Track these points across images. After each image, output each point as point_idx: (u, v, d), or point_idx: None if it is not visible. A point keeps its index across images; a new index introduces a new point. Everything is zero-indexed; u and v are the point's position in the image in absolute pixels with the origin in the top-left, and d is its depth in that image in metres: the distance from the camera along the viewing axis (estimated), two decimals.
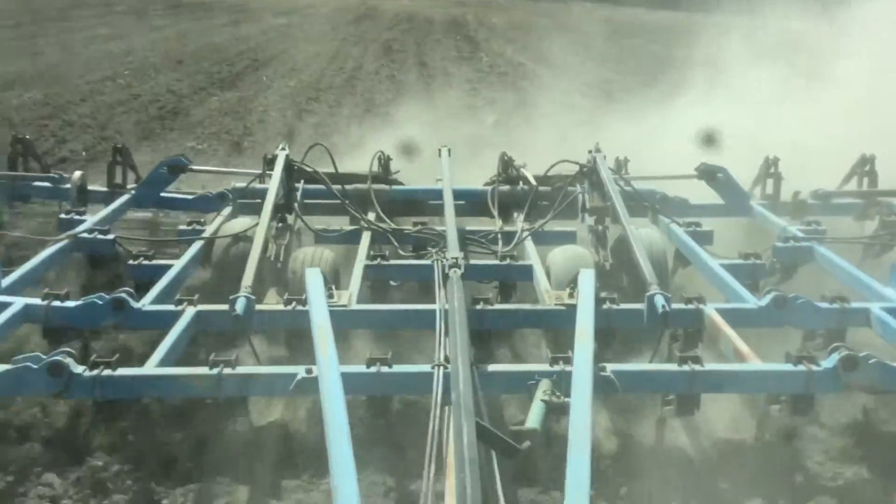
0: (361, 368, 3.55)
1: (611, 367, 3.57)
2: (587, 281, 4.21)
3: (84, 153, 8.80)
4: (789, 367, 3.61)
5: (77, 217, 5.34)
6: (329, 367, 3.35)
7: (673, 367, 3.64)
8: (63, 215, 5.41)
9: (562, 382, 3.34)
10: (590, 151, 5.76)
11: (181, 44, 17.88)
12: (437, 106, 11.44)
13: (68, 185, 5.74)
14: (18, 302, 4.00)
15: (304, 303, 4.06)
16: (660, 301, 4.05)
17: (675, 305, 4.13)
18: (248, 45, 18.09)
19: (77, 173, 5.81)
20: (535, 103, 11.46)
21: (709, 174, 5.97)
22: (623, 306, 4.23)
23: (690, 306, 4.21)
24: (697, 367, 3.58)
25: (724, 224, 5.86)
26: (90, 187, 5.87)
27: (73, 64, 14.72)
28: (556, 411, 3.20)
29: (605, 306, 4.17)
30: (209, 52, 16.88)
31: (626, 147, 6.03)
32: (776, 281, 5.22)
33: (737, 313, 4.22)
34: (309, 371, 3.46)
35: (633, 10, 30.27)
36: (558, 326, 4.21)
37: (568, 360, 3.51)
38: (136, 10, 23.11)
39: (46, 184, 5.87)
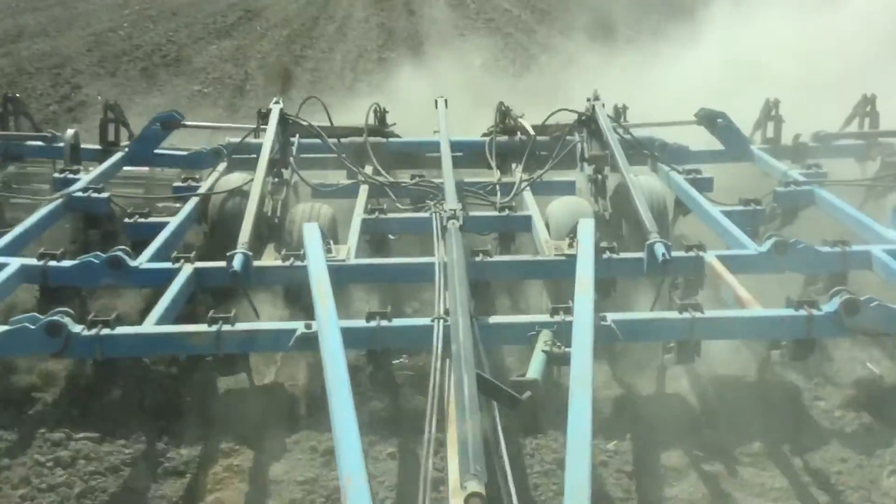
0: (361, 323, 3.53)
1: (611, 317, 3.55)
2: (587, 231, 4.17)
3: (99, 97, 8.95)
4: (790, 311, 3.59)
5: (71, 176, 5.28)
6: (328, 322, 3.34)
7: (673, 314, 3.62)
8: (57, 174, 5.35)
9: (562, 333, 3.33)
10: (588, 99, 5.68)
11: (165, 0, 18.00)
12: (426, 52, 11.82)
13: (61, 144, 5.67)
14: (14, 262, 3.97)
15: (303, 258, 4.03)
16: (660, 249, 4.02)
17: (675, 253, 4.10)
18: (230, 1, 18.04)
19: (70, 131, 5.73)
20: (522, 46, 12.36)
21: (708, 119, 5.90)
22: (623, 255, 4.20)
23: (690, 254, 4.18)
24: (698, 314, 3.56)
25: (725, 169, 5.82)
26: (83, 145, 5.79)
27: (73, 17, 15.20)
28: (558, 361, 3.19)
29: (605, 256, 4.14)
30: (202, 3, 17.01)
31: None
32: (777, 226, 5.19)
33: (737, 260, 4.20)
34: (308, 326, 3.45)
35: None
36: (558, 277, 4.19)
37: (568, 311, 3.49)
38: None
39: (39, 143, 5.79)
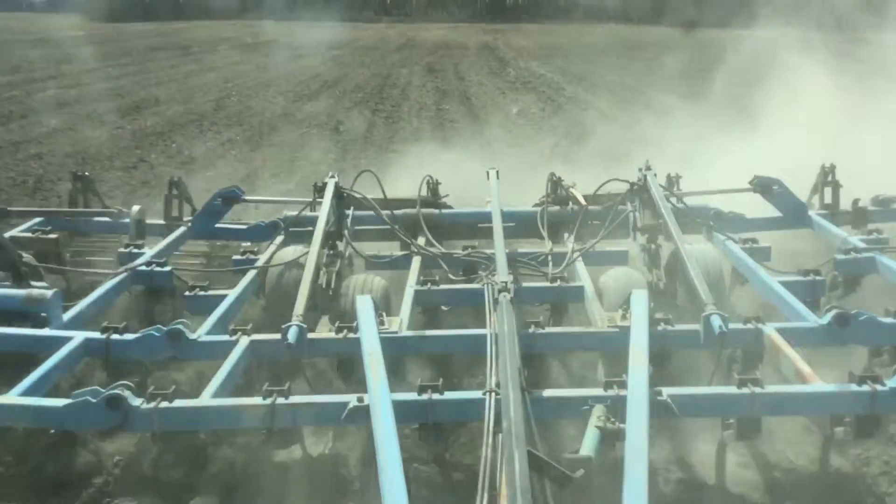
0: (413, 396, 3.54)
1: (667, 391, 3.49)
2: (640, 302, 4.13)
3: (238, 137, 12.55)
4: (853, 387, 3.48)
5: (135, 250, 5.47)
6: (380, 395, 3.36)
7: (732, 389, 3.54)
8: (122, 249, 5.55)
9: (617, 407, 3.28)
10: (640, 169, 5.69)
11: (262, 72, 21.80)
12: (474, 104, 15.77)
13: (127, 220, 5.88)
14: (79, 336, 4.10)
15: (356, 330, 4.08)
16: (716, 321, 3.95)
17: (732, 325, 4.03)
18: (316, 72, 21.82)
19: (135, 208, 5.95)
20: (551, 99, 15.98)
21: (764, 186, 5.86)
22: (678, 327, 4.14)
23: (749, 326, 4.11)
24: (757, 390, 3.48)
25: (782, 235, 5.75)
26: (148, 220, 6.00)
27: (190, 90, 18.20)
28: (612, 437, 3.14)
29: (659, 328, 4.10)
30: (288, 78, 20.48)
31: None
32: (839, 295, 5.07)
33: (797, 332, 4.10)
34: (360, 399, 3.46)
35: (647, 28, 35.37)
36: (612, 349, 4.14)
37: (622, 385, 3.45)
38: (208, 50, 27.46)
39: (106, 219, 6.02)
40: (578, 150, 10.35)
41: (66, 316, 4.42)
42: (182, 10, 49.17)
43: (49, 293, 4.38)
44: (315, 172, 9.16)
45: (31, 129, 12.87)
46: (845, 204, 5.98)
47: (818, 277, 4.85)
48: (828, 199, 6.01)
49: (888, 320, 4.14)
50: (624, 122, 12.71)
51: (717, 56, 16.65)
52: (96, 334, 4.13)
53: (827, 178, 5.99)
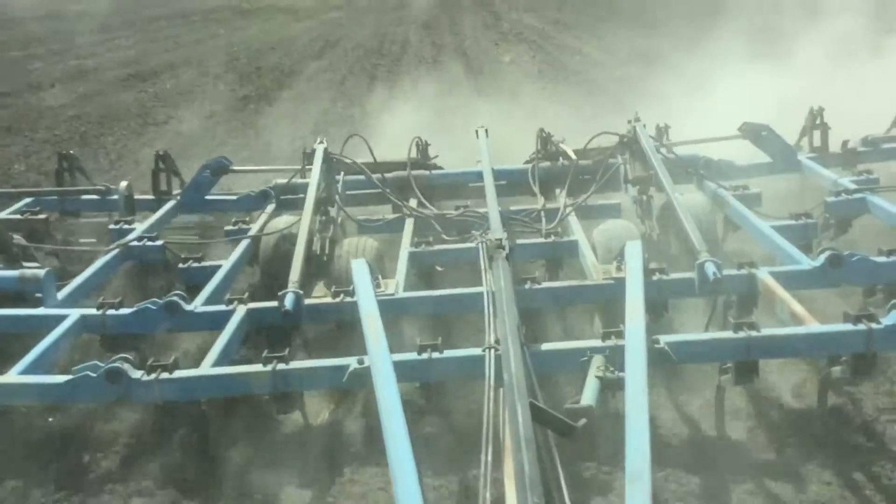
0: (413, 356, 3.55)
1: (664, 339, 3.52)
2: (635, 253, 4.15)
3: (252, 94, 13.41)
4: (848, 326, 3.51)
5: (126, 226, 5.44)
6: (380, 356, 3.37)
7: (728, 334, 3.56)
8: (112, 225, 5.52)
9: (615, 357, 3.31)
10: (629, 121, 5.67)
11: (266, 37, 21.74)
12: (469, 56, 16.60)
13: (115, 196, 5.84)
14: (74, 313, 4.09)
15: (352, 294, 4.08)
16: (710, 268, 3.97)
17: (726, 271, 4.05)
18: (312, 35, 21.72)
19: (123, 183, 5.90)
20: (541, 48, 17.02)
21: (753, 133, 5.86)
22: (673, 276, 4.16)
23: (742, 271, 4.13)
24: (754, 333, 3.50)
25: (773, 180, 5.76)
26: (137, 196, 5.96)
27: (199, 54, 18.70)
28: (611, 387, 3.17)
29: (654, 277, 4.11)
30: (289, 42, 20.62)
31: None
32: (831, 237, 5.10)
33: (791, 276, 4.12)
34: (361, 361, 3.48)
35: None
36: (608, 301, 4.16)
37: (620, 335, 3.47)
38: (211, 18, 27.40)
39: (94, 196, 5.98)
40: (563, 90, 11.79)
41: (61, 294, 4.41)
42: None
43: (42, 273, 4.37)
44: (325, 118, 11.05)
45: (63, 95, 13.82)
46: (834, 146, 5.98)
47: (810, 220, 4.86)
48: (817, 141, 6.00)
49: (881, 259, 4.16)
50: (610, 65, 14.11)
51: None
52: (92, 310, 4.13)
53: (815, 120, 5.97)
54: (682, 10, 19.13)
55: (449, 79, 13.46)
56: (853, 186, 5.24)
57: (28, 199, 5.89)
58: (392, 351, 3.44)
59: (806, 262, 4.21)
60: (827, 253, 4.11)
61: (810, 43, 9.98)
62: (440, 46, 18.38)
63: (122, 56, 18.70)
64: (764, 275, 4.05)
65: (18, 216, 5.58)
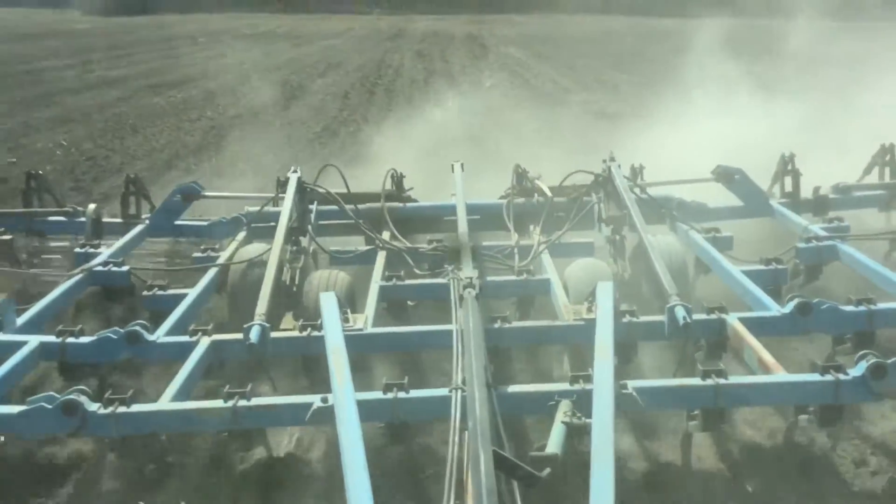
0: (378, 395, 3.49)
1: (632, 384, 3.49)
2: (605, 294, 4.12)
3: (268, 101, 15.12)
4: (816, 377, 3.50)
5: (92, 250, 5.34)
6: (345, 394, 3.30)
7: (697, 381, 3.54)
8: (78, 249, 5.42)
9: (583, 402, 3.27)
10: (604, 161, 5.69)
11: (271, 57, 23.86)
12: (456, 80, 18.30)
13: (83, 219, 5.74)
14: (33, 340, 3.99)
15: (320, 328, 4.02)
16: (680, 312, 3.96)
17: (696, 316, 4.04)
18: (315, 59, 23.97)
19: (91, 206, 5.82)
20: (520, 76, 18.89)
21: (726, 176, 5.89)
22: (643, 319, 4.15)
23: (712, 316, 4.12)
24: (722, 381, 3.48)
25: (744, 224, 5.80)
26: (105, 219, 5.87)
27: (214, 70, 20.39)
28: (578, 433, 3.12)
29: (624, 319, 4.09)
30: (295, 62, 22.96)
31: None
32: (801, 283, 5.12)
33: (760, 322, 4.12)
34: (324, 400, 3.41)
35: (627, 19, 38.02)
36: (578, 341, 4.13)
37: (588, 379, 3.44)
38: (216, 41, 29.57)
39: (61, 218, 5.87)
40: (532, 107, 13.40)
41: (21, 320, 4.30)
42: (172, 4, 48.47)
43: (0, 298, 4.26)
44: (334, 119, 13.47)
45: (101, 97, 16.01)
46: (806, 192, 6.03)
47: (780, 266, 4.88)
48: (788, 187, 6.05)
49: (849, 308, 4.17)
50: (575, 91, 16.22)
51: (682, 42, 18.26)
52: (51, 338, 4.03)
53: (787, 166, 6.03)
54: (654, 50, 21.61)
55: (436, 98, 15.17)
56: (823, 234, 5.27)
57: None
58: (358, 388, 3.38)
59: (775, 309, 4.21)
60: (796, 300, 4.12)
61: None
62: (431, 71, 20.28)
63: (142, 69, 20.84)
64: (733, 320, 4.05)
65: None
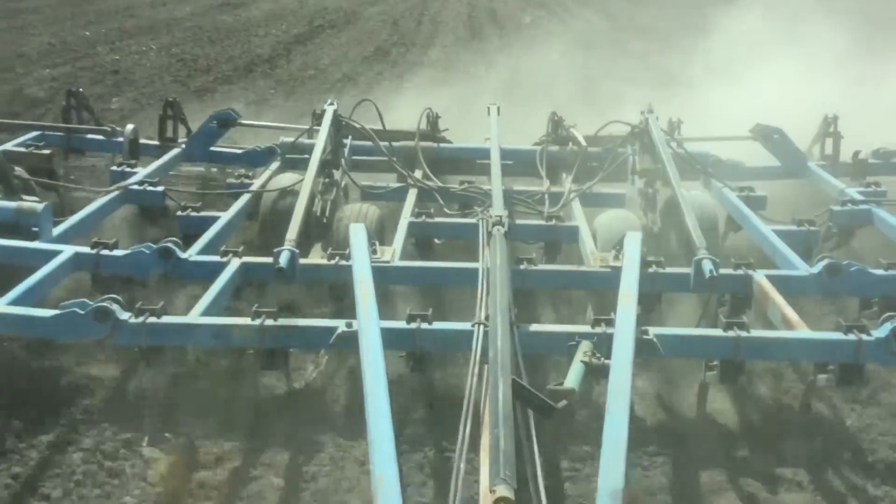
0: (401, 324, 3.54)
1: (653, 331, 3.51)
2: (633, 244, 4.13)
3: (326, 24, 16.73)
4: (839, 335, 3.50)
5: (128, 169, 5.42)
6: (369, 321, 3.36)
7: (718, 332, 3.56)
8: (115, 167, 5.50)
9: (603, 345, 3.30)
10: (642, 112, 5.63)
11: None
12: (497, 14, 19.25)
13: (121, 139, 5.81)
14: (68, 250, 4.08)
15: (348, 258, 4.07)
16: (707, 266, 3.95)
17: (723, 270, 4.03)
18: None
19: (129, 126, 5.88)
20: (556, 14, 19.34)
21: (764, 135, 5.82)
22: (669, 270, 4.15)
23: (739, 272, 4.11)
24: (743, 333, 3.49)
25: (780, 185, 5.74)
26: (142, 140, 5.94)
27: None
28: (596, 373, 3.16)
29: (650, 269, 4.10)
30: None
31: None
32: (832, 246, 5.07)
33: (787, 280, 4.10)
34: (349, 325, 3.47)
35: None
36: (602, 288, 4.14)
37: (610, 323, 3.46)
38: None
39: (100, 136, 5.95)
40: (565, 40, 14.19)
41: (57, 231, 4.40)
42: None
43: (40, 206, 4.36)
44: (385, 42, 14.93)
45: (175, 13, 17.47)
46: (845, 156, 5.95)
47: (812, 228, 4.83)
48: (828, 150, 5.97)
49: (879, 272, 4.14)
50: (605, 31, 16.66)
51: None
52: (86, 249, 4.12)
53: (829, 128, 5.94)
54: None
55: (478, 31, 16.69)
56: (860, 197, 5.21)
57: (34, 133, 5.85)
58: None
59: (804, 269, 4.19)
60: (826, 261, 4.09)
61: None
62: (474, 6, 20.93)
63: None
64: (760, 277, 4.04)
65: (23, 149, 5.54)
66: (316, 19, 17.23)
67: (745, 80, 8.45)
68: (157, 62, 12.03)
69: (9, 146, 5.56)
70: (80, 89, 6.32)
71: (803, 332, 3.56)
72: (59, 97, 7.87)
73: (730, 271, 4.11)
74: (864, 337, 3.45)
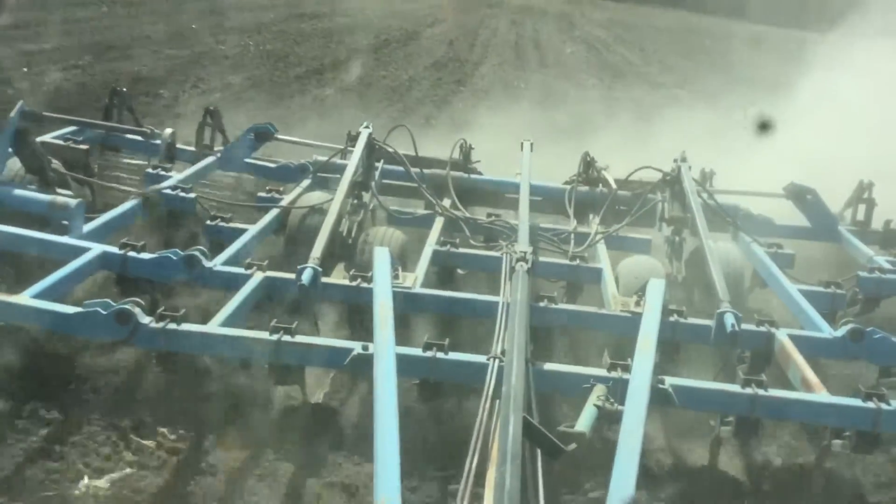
0: (417, 351, 3.55)
1: (669, 381, 3.48)
2: (656, 291, 4.11)
3: (392, 39, 19.05)
4: (857, 401, 3.45)
5: (163, 173, 5.49)
6: (386, 346, 3.36)
7: (735, 387, 3.52)
8: (150, 170, 5.58)
9: (617, 390, 3.27)
10: (675, 160, 5.62)
11: (384, 8, 25.85)
12: (541, 45, 21.97)
13: (158, 141, 5.89)
14: (96, 248, 4.13)
15: (370, 280, 4.08)
16: (730, 319, 3.93)
17: (745, 326, 4.01)
18: (423, 14, 26.28)
19: (168, 130, 5.95)
20: (596, 49, 22.20)
21: (797, 194, 5.78)
22: (691, 320, 4.12)
23: (762, 329, 4.08)
24: (761, 392, 3.46)
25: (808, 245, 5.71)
26: (179, 145, 6.01)
27: (341, 10, 23.65)
28: (609, 418, 3.14)
29: (671, 318, 4.07)
30: (406, 14, 25.15)
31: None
32: (857, 312, 5.02)
33: (809, 341, 4.07)
34: (365, 348, 3.48)
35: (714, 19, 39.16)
36: (621, 333, 4.12)
37: (626, 368, 3.44)
38: None
39: (138, 137, 6.03)
40: (598, 71, 16.89)
41: (87, 227, 4.46)
42: None
43: (73, 202, 4.42)
44: (442, 57, 17.01)
45: (260, 18, 19.42)
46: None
47: (839, 291, 4.79)
48: (860, 216, 5.93)
49: None
50: (637, 65, 19.69)
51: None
52: (114, 249, 4.17)
53: (862, 194, 5.90)
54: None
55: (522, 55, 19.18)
56: (888, 266, 5.16)
57: (73, 128, 5.94)
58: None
59: (827, 331, 4.15)
60: (850, 325, 4.05)
61: None
62: (521, 35, 23.58)
63: (281, 1, 23.66)
64: (783, 336, 4.00)
65: (61, 142, 5.62)
66: (382, 34, 19.34)
67: None
68: (257, 53, 14.62)
69: (47, 138, 5.63)
70: (124, 88, 6.42)
71: (822, 395, 3.51)
72: (189, 68, 11.88)
73: (752, 327, 4.08)
74: (883, 406, 3.41)
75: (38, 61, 10.92)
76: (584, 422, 3.02)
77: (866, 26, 11.56)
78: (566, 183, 6.06)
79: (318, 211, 5.03)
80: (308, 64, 14.02)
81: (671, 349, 4.08)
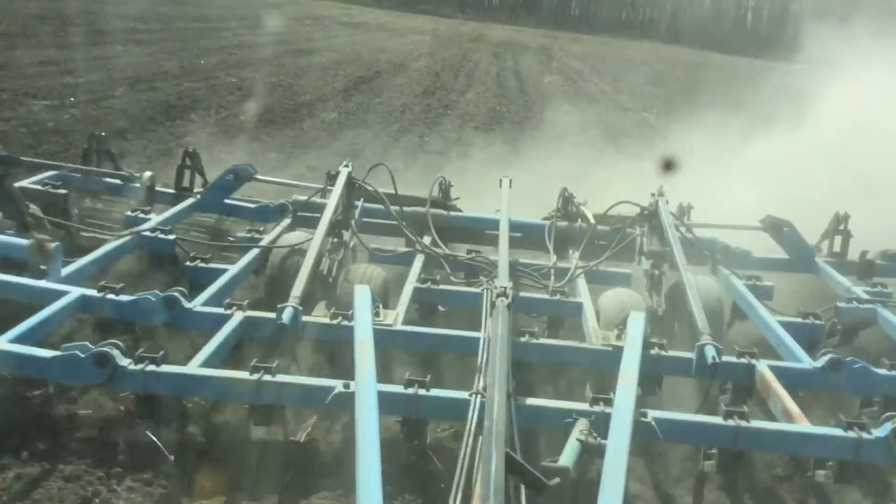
0: (399, 388, 3.53)
1: (652, 414, 3.48)
2: (636, 324, 4.13)
3: (382, 70, 20.63)
4: (839, 432, 3.47)
5: (142, 215, 5.49)
6: (367, 384, 3.35)
7: (717, 420, 3.53)
8: (129, 212, 5.57)
9: (600, 424, 3.27)
10: (652, 195, 5.68)
11: (373, 43, 27.86)
12: (521, 76, 23.30)
13: (138, 185, 5.89)
14: (75, 291, 4.10)
15: (350, 318, 4.08)
16: (710, 352, 3.95)
17: (726, 358, 4.02)
18: (410, 48, 28.24)
19: (147, 173, 5.96)
20: (572, 80, 23.86)
21: (774, 227, 5.85)
22: (671, 353, 4.14)
23: (742, 360, 4.10)
24: (743, 423, 3.46)
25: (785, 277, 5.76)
26: (157, 188, 6.01)
27: (333, 46, 25.19)
28: (592, 453, 3.13)
29: (652, 351, 4.09)
30: (394, 48, 26.94)
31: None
32: (836, 343, 5.06)
33: (790, 372, 4.09)
34: (346, 386, 3.46)
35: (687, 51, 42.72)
36: (603, 367, 4.13)
37: (609, 402, 3.44)
38: (320, 25, 33.78)
39: (117, 181, 6.03)
40: (575, 99, 18.22)
41: (66, 271, 4.43)
42: None
43: (51, 246, 4.39)
44: (430, 86, 18.54)
45: (259, 54, 20.26)
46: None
47: (817, 322, 4.83)
48: (836, 247, 6.00)
49: (881, 371, 4.12)
50: (610, 93, 21.33)
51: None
52: (93, 292, 4.14)
53: (839, 226, 5.98)
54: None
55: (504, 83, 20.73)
56: (865, 296, 5.21)
57: (52, 172, 5.93)
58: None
59: (807, 361, 4.18)
60: (829, 356, 4.08)
61: None
62: (503, 67, 24.77)
63: (274, 39, 24.47)
64: (763, 367, 4.02)
65: (39, 187, 5.60)
66: (373, 66, 21.07)
67: None
68: (265, 84, 15.58)
69: (25, 183, 5.62)
70: (103, 133, 6.42)
71: (804, 426, 3.53)
72: (210, 97, 13.10)
73: (732, 359, 4.10)
74: (865, 435, 3.42)
75: (80, 91, 12.00)
76: (567, 456, 3.01)
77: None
78: (545, 218, 6.10)
79: (298, 251, 5.02)
80: (311, 93, 15.27)
81: (653, 382, 4.08)
